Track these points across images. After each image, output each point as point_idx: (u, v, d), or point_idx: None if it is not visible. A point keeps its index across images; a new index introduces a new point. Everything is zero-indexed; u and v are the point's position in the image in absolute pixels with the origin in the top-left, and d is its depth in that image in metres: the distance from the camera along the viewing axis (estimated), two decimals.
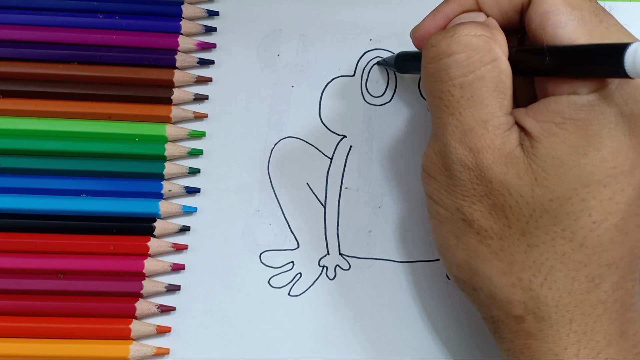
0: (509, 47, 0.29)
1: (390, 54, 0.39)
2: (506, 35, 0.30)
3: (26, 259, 0.35)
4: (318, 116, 0.38)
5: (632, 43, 0.24)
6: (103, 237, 0.36)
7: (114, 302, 0.35)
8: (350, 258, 0.36)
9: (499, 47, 0.29)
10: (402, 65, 0.37)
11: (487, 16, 0.31)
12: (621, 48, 0.24)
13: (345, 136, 0.38)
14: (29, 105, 0.37)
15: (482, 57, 0.28)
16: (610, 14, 0.29)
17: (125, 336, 0.34)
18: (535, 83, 0.31)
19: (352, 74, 0.39)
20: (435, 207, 0.30)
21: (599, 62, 0.26)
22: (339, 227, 0.37)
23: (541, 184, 0.27)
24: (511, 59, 0.29)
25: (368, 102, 0.39)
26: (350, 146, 0.38)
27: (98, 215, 0.36)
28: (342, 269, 0.36)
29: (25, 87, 0.37)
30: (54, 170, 0.36)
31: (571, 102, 0.27)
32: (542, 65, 0.28)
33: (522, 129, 0.28)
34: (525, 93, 0.31)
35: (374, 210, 0.37)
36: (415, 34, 0.33)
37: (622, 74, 0.25)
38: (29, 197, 0.36)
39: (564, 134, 0.27)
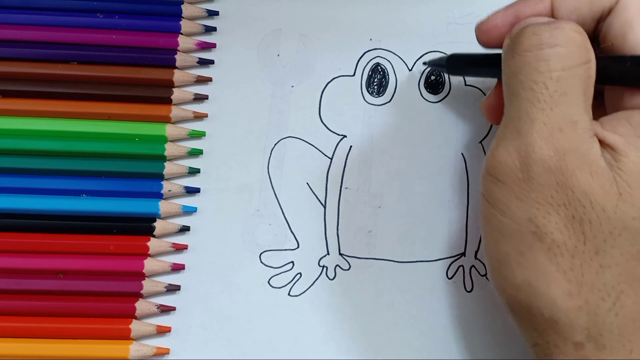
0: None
1: (391, 54, 0.39)
2: None
3: (26, 259, 0.35)
4: (318, 116, 0.38)
5: None
6: (103, 237, 0.36)
7: (114, 302, 0.35)
8: (350, 258, 0.36)
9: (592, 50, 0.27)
10: (455, 66, 0.36)
11: None
12: None
13: (345, 136, 0.38)
14: (29, 105, 0.37)
15: (582, 55, 0.27)
16: None
17: (125, 336, 0.34)
18: (606, 94, 0.30)
19: (352, 74, 0.39)
20: (499, 218, 0.27)
21: None
22: (339, 227, 0.37)
23: (626, 200, 0.26)
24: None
25: (368, 102, 0.39)
26: (350, 146, 0.38)
27: (98, 215, 0.36)
28: (342, 269, 0.36)
29: (25, 87, 0.37)
30: (54, 170, 0.36)
31: None
32: (625, 75, 0.27)
33: (600, 141, 0.27)
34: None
35: (374, 210, 0.37)
36: (481, 26, 0.32)
37: None
38: (29, 197, 0.36)
39: None
